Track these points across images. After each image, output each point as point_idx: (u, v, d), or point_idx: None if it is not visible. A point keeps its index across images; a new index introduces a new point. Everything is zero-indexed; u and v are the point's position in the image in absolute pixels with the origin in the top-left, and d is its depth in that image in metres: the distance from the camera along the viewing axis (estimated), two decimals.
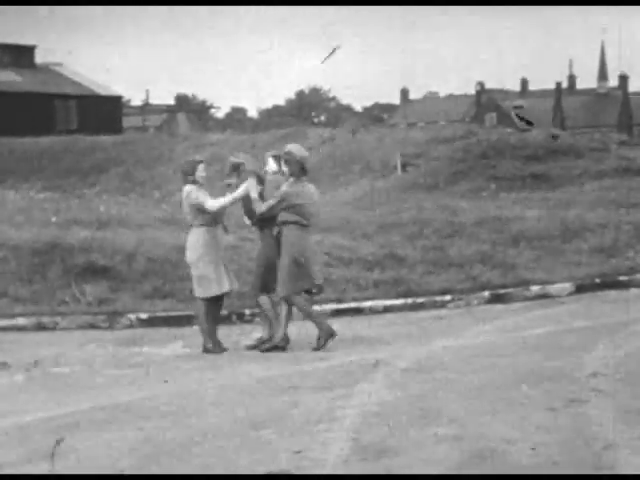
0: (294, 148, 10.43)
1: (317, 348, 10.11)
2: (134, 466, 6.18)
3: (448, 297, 13.09)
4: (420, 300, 12.97)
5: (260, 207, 10.18)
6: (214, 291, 10.19)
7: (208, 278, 10.16)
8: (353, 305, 12.72)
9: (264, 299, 10.43)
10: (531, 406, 7.39)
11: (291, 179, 10.26)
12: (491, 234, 16.16)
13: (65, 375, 9.33)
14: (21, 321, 12.07)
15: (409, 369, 8.94)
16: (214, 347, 10.21)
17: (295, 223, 10.15)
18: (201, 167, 10.42)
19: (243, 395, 8.15)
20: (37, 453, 6.52)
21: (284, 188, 10.18)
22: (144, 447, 6.61)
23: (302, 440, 6.60)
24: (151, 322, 11.97)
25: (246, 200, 10.34)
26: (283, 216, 10.17)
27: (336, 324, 11.90)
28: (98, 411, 7.74)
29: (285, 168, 10.32)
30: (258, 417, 7.31)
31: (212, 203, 10.16)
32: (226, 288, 10.23)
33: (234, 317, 12.12)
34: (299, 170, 10.25)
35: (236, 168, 10.51)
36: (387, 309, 12.73)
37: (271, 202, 10.16)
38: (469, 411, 7.28)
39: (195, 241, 10.21)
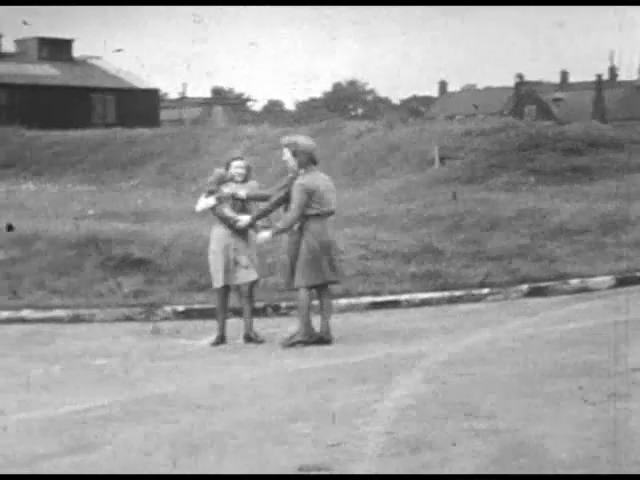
0: (299, 139, 10.36)
1: (283, 343, 10.06)
2: (169, 458, 6.16)
3: (486, 290, 12.97)
4: (457, 293, 12.86)
5: (292, 213, 10.05)
6: (214, 284, 10.53)
7: (211, 271, 10.54)
8: (390, 298, 12.64)
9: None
10: (570, 400, 7.29)
11: (301, 171, 10.18)
12: (530, 227, 16.01)
13: (101, 367, 9.34)
14: (58, 313, 12.12)
15: (446, 363, 8.86)
16: (215, 338, 10.47)
17: (316, 215, 10.06)
18: (235, 164, 10.55)
19: (279, 388, 8.12)
20: (73, 445, 6.53)
21: (300, 181, 10.06)
22: (180, 439, 6.60)
23: (338, 434, 6.55)
24: (187, 314, 11.97)
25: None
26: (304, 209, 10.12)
27: (373, 317, 11.85)
28: (134, 403, 7.75)
29: (287, 158, 10.23)
30: (294, 410, 7.27)
31: (197, 205, 10.74)
32: (219, 283, 10.43)
33: (269, 310, 12.10)
34: (307, 160, 10.16)
35: (221, 181, 10.59)
36: (424, 302, 12.64)
37: (296, 202, 10.01)
38: (506, 405, 7.20)
39: (211, 235, 10.62)
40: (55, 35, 54.44)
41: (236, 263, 10.39)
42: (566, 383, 7.82)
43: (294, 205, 9.96)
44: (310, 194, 9.98)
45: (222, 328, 10.48)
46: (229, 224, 10.40)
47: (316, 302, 10.19)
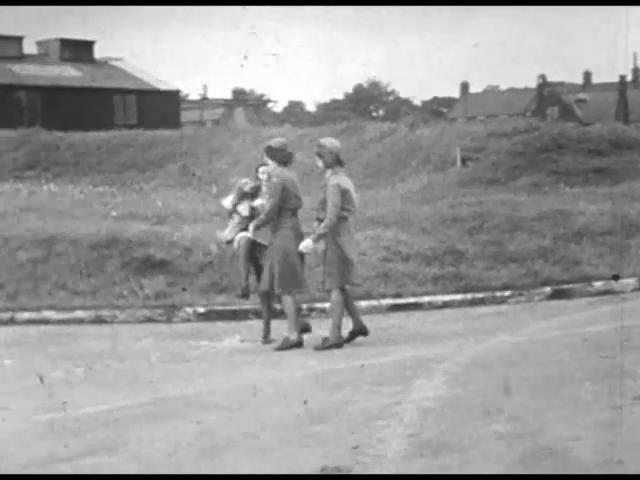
0: (326, 141, 10.41)
1: (317, 347, 10.05)
2: (191, 459, 6.15)
3: (508, 292, 12.90)
4: (480, 295, 12.80)
5: (331, 214, 10.06)
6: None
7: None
8: (412, 300, 12.60)
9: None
10: (594, 403, 7.22)
11: (329, 171, 10.19)
12: (553, 229, 15.89)
13: (123, 368, 9.34)
14: (80, 314, 12.15)
15: (468, 365, 8.80)
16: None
17: (344, 217, 10.07)
18: (261, 169, 10.93)
19: (301, 390, 8.08)
20: (95, 446, 6.51)
21: (334, 182, 10.07)
22: (201, 440, 6.58)
23: (360, 436, 6.52)
24: (208, 316, 11.97)
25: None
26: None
27: (394, 319, 11.81)
28: (155, 404, 7.73)
29: (320, 163, 10.27)
30: (316, 412, 7.24)
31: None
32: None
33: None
34: (334, 161, 10.18)
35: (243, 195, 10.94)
36: (446, 304, 12.58)
37: (335, 203, 10.03)
38: (530, 408, 7.14)
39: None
40: (77, 36, 54.67)
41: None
42: (590, 386, 7.75)
43: (333, 207, 9.98)
44: (344, 194, 10.02)
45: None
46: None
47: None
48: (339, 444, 6.36)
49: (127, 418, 7.26)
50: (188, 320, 11.92)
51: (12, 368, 9.56)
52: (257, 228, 10.39)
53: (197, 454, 6.27)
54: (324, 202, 10.07)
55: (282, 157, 10.34)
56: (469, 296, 12.77)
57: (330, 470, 5.82)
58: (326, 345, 10.00)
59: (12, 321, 12.15)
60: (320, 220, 10.09)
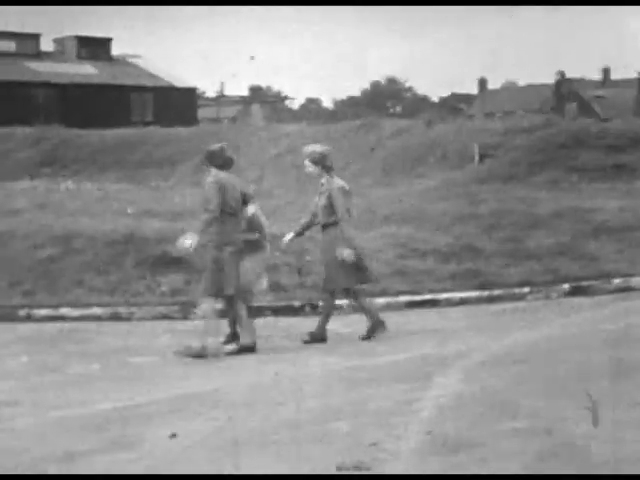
0: (315, 147, 10.51)
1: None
2: (207, 457, 6.13)
3: (526, 289, 12.83)
4: (497, 292, 12.74)
5: (339, 215, 10.12)
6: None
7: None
8: (429, 297, 12.55)
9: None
10: (613, 400, 7.15)
11: (325, 176, 10.28)
12: (571, 225, 15.82)
13: (140, 365, 9.35)
14: (97, 311, 12.16)
15: (486, 362, 8.76)
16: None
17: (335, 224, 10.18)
18: None
19: (317, 387, 8.06)
20: (112, 442, 6.51)
21: (339, 185, 10.25)
22: (219, 437, 6.56)
23: (377, 433, 6.48)
24: (225, 313, 11.92)
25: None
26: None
27: (411, 316, 11.77)
28: (172, 401, 7.73)
29: (310, 169, 10.29)
30: (333, 409, 7.21)
31: None
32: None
33: (307, 308, 12.05)
34: (329, 166, 10.30)
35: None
36: (463, 301, 12.54)
37: (342, 204, 10.13)
38: (548, 405, 7.09)
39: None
40: (93, 34, 54.86)
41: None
42: (609, 383, 7.68)
43: (341, 208, 10.08)
44: (345, 196, 10.13)
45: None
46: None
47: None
48: (356, 441, 6.33)
49: (144, 415, 7.25)
50: (204, 317, 11.88)
51: (29, 364, 9.58)
52: (201, 232, 9.89)
53: (213, 451, 6.25)
54: (327, 207, 10.11)
55: (221, 161, 10.02)
56: (486, 293, 12.71)
57: (347, 468, 5.79)
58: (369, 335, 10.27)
59: (29, 318, 12.18)
60: (326, 226, 10.16)
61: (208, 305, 9.83)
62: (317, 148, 10.47)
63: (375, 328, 10.27)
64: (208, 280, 9.90)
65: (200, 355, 9.58)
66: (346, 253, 10.06)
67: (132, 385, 8.48)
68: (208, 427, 6.85)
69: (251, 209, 10.29)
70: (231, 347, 9.98)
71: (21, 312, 12.26)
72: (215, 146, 10.22)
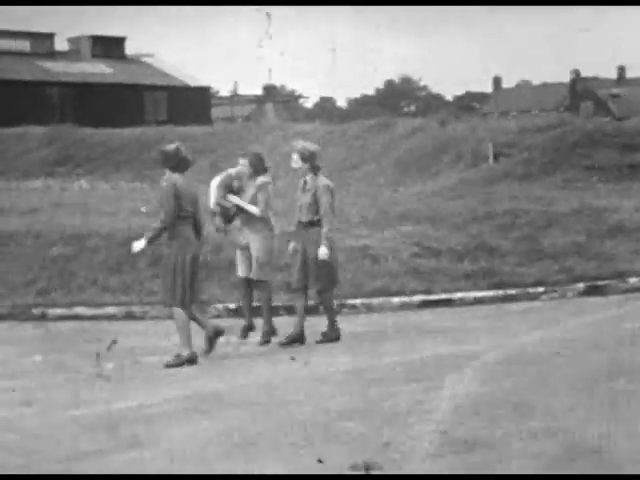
0: (307, 144, 10.42)
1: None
2: (221, 456, 6.11)
3: (541, 289, 12.77)
4: (512, 292, 12.68)
5: (329, 216, 10.10)
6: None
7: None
8: (443, 296, 12.50)
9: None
10: (630, 400, 7.11)
11: (310, 174, 10.20)
12: (587, 225, 15.74)
13: (154, 364, 9.33)
14: (111, 310, 12.16)
15: (501, 362, 8.71)
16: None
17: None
18: (241, 162, 10.81)
19: (331, 387, 8.03)
20: (127, 441, 6.50)
21: (327, 182, 10.20)
22: (232, 437, 6.55)
23: (391, 432, 6.46)
24: (239, 312, 11.91)
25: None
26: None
27: (425, 315, 11.73)
28: (186, 400, 7.71)
29: (297, 164, 10.22)
30: (346, 409, 7.18)
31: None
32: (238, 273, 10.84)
33: (321, 308, 12.00)
34: (317, 165, 10.22)
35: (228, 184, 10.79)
36: (478, 300, 12.49)
37: (330, 203, 10.12)
38: (564, 405, 7.04)
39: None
40: (107, 33, 54.96)
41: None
42: (626, 383, 7.64)
43: (329, 207, 10.07)
44: (332, 194, 10.17)
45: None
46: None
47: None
48: (370, 441, 6.30)
49: (158, 414, 7.24)
50: (218, 316, 11.89)
51: (43, 364, 9.58)
52: (152, 239, 9.57)
53: (227, 451, 6.23)
54: (312, 204, 10.01)
55: (176, 163, 9.47)
56: (501, 292, 12.65)
57: (360, 468, 5.76)
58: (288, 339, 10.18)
59: (43, 317, 12.19)
60: (310, 224, 10.07)
61: (182, 312, 9.41)
62: (309, 145, 10.34)
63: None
64: (167, 288, 9.52)
65: (190, 361, 9.27)
66: (322, 252, 9.97)
67: (146, 384, 8.47)
68: (221, 426, 6.83)
69: (262, 179, 10.42)
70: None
71: (35, 311, 12.27)
72: (170, 146, 9.58)
